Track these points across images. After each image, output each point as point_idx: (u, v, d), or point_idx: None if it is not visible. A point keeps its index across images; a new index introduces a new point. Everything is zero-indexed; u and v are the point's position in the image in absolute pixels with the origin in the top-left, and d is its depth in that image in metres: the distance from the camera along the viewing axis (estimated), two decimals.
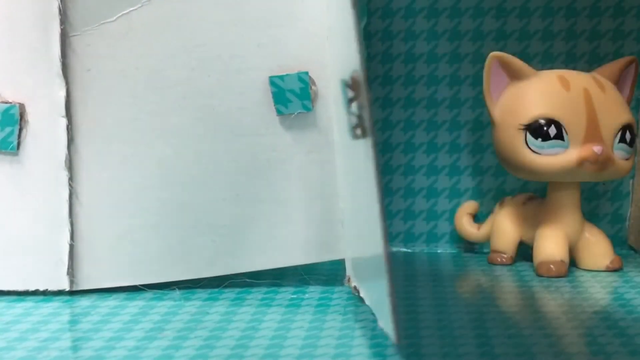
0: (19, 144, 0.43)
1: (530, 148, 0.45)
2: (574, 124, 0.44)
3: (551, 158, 0.45)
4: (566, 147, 0.45)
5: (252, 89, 0.43)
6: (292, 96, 0.43)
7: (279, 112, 0.43)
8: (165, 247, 0.44)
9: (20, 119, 0.43)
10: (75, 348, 0.35)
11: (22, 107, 0.43)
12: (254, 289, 0.44)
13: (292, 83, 0.43)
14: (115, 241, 0.44)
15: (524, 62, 0.47)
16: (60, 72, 0.42)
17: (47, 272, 0.43)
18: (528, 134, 0.45)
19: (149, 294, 0.43)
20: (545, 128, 0.44)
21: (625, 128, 0.46)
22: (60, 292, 0.44)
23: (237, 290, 0.44)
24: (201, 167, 0.44)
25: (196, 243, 0.44)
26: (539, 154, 0.45)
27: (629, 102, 0.48)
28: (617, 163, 0.45)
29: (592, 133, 0.44)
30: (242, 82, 0.43)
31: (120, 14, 0.42)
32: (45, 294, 0.43)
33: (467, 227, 0.52)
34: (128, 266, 0.44)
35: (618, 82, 0.48)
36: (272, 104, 0.43)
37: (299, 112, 0.43)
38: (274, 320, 0.39)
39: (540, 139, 0.44)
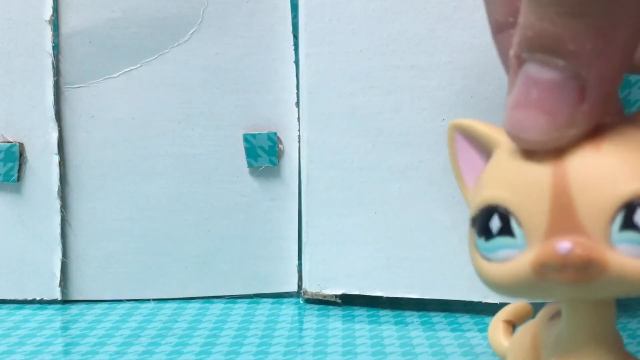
0: (19, 176, 0.44)
1: (479, 252, 0.22)
2: (530, 208, 0.20)
3: (501, 266, 0.21)
4: (520, 248, 0.21)
5: (228, 143, 0.45)
6: (261, 152, 0.44)
7: (250, 165, 0.45)
8: (145, 270, 0.45)
9: (20, 156, 0.43)
10: (65, 352, 0.36)
11: (21, 145, 0.44)
12: (216, 300, 0.45)
13: (262, 141, 0.44)
14: (102, 261, 0.45)
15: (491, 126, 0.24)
16: (54, 116, 0.44)
17: (42, 284, 0.44)
18: (474, 232, 0.22)
19: (127, 304, 0.45)
20: (486, 220, 0.21)
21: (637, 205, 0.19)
22: (53, 302, 0.45)
23: (202, 300, 0.45)
24: (180, 204, 0.45)
25: (171, 268, 0.45)
26: (489, 260, 0.22)
27: None
28: (617, 266, 0.19)
29: (560, 220, 0.20)
30: (220, 137, 0.44)
31: (122, 72, 0.44)
32: (41, 302, 0.45)
33: (500, 336, 0.31)
34: (112, 283, 0.45)
35: None
36: (244, 157, 0.45)
37: (267, 166, 0.45)
38: (233, 328, 0.40)
39: (483, 238, 0.22)
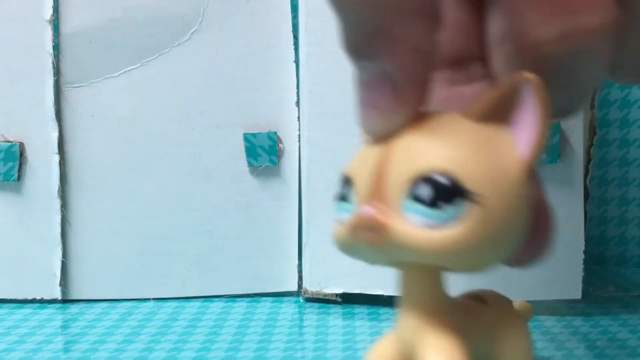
0: (19, 176, 0.44)
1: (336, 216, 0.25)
2: (361, 179, 0.24)
3: (338, 227, 0.24)
4: (352, 212, 0.24)
5: (228, 142, 0.45)
6: (261, 151, 0.44)
7: (250, 164, 0.45)
8: (145, 270, 0.45)
9: (20, 155, 0.44)
10: (65, 350, 0.36)
11: (22, 145, 0.44)
12: (216, 299, 0.45)
13: (262, 140, 0.44)
14: (102, 261, 0.45)
15: None
16: (54, 116, 0.44)
17: (42, 284, 0.44)
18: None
19: (127, 303, 0.45)
20: (339, 187, 0.25)
21: (425, 179, 0.22)
22: (53, 301, 0.45)
23: (202, 299, 0.45)
24: (181, 204, 0.45)
25: (172, 268, 0.45)
26: (337, 222, 0.24)
27: (541, 138, 0.23)
28: (400, 232, 0.22)
29: (375, 189, 0.23)
30: (220, 136, 0.45)
31: (122, 71, 0.44)
32: (41, 302, 0.45)
33: None
34: (112, 282, 0.45)
35: (510, 117, 0.23)
36: (245, 156, 0.45)
37: (267, 165, 0.45)
38: (233, 326, 0.40)
39: (336, 202, 0.25)
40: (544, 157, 0.41)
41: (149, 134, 0.45)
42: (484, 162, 0.22)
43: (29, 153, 0.44)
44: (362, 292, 0.43)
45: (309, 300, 0.45)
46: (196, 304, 0.45)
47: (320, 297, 0.44)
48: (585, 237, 0.42)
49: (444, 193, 0.22)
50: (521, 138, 0.23)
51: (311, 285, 0.44)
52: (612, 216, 0.54)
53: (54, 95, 0.44)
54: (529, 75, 0.22)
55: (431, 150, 0.22)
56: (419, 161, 0.22)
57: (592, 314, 0.42)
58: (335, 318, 0.42)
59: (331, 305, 0.44)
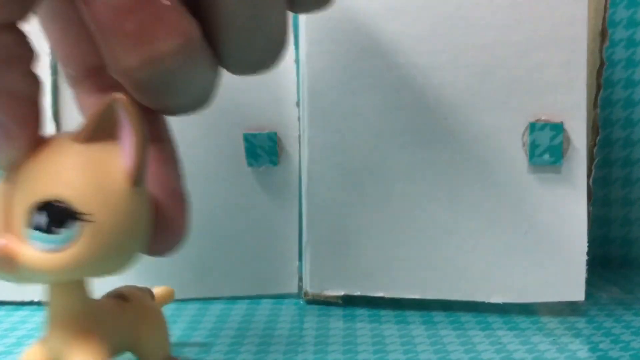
0: None
1: None
2: None
3: None
4: None
5: (229, 143, 0.44)
6: (261, 152, 0.44)
7: (250, 165, 0.44)
8: (144, 272, 0.43)
9: None
10: None
11: None
12: (215, 301, 0.45)
13: (262, 141, 0.44)
14: None
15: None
16: (53, 116, 0.44)
17: (40, 285, 0.44)
18: None
19: None
20: None
21: (39, 208, 0.25)
22: None
23: (201, 301, 0.45)
24: None
25: (172, 270, 0.45)
26: None
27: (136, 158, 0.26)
28: (27, 259, 0.25)
29: (5, 221, 0.25)
30: (221, 136, 0.44)
31: None
32: (39, 304, 0.44)
33: None
34: (112, 282, 0.43)
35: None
36: (244, 156, 0.44)
37: (267, 166, 0.44)
38: (232, 327, 0.40)
39: None
40: (547, 157, 0.41)
41: None
42: (92, 182, 0.25)
43: None
44: (363, 294, 0.43)
45: (310, 302, 0.45)
46: (196, 305, 0.45)
47: (322, 299, 0.44)
48: (589, 238, 0.42)
49: (57, 218, 0.25)
50: (125, 152, 0.26)
51: (312, 287, 0.44)
52: (616, 217, 0.54)
53: (53, 95, 0.44)
54: (118, 96, 0.25)
55: (42, 180, 0.25)
56: (33, 191, 0.25)
57: (595, 315, 0.42)
58: (336, 320, 0.42)
59: (332, 307, 0.44)
